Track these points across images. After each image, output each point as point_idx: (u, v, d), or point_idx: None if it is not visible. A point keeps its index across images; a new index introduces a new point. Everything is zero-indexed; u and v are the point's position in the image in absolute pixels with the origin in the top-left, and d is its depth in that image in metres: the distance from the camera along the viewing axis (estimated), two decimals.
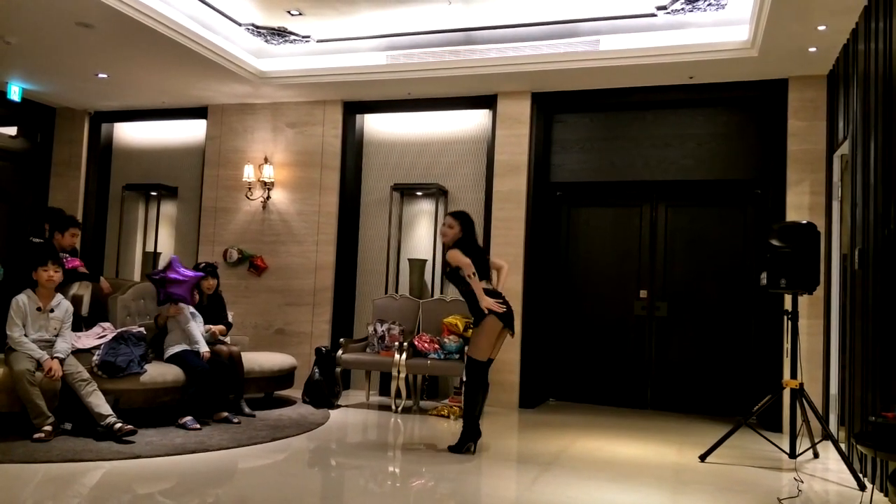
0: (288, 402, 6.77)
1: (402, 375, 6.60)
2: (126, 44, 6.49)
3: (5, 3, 5.67)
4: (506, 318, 5.05)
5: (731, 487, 4.47)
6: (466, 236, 5.17)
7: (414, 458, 5.06)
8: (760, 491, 4.43)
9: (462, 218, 5.24)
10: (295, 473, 4.59)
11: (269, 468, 4.62)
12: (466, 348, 5.54)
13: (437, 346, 6.81)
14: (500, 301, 5.05)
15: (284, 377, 6.71)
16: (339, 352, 6.88)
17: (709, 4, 5.93)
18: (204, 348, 5.77)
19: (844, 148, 5.69)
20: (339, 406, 6.73)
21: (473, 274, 4.96)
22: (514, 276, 7.20)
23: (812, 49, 5.82)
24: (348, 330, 7.92)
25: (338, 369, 6.83)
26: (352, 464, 4.88)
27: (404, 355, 6.63)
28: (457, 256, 5.03)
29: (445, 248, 5.23)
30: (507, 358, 7.12)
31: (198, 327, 5.90)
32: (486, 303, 4.97)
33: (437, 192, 7.74)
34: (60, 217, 6.02)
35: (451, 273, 5.15)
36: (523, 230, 7.25)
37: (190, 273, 5.97)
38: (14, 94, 7.98)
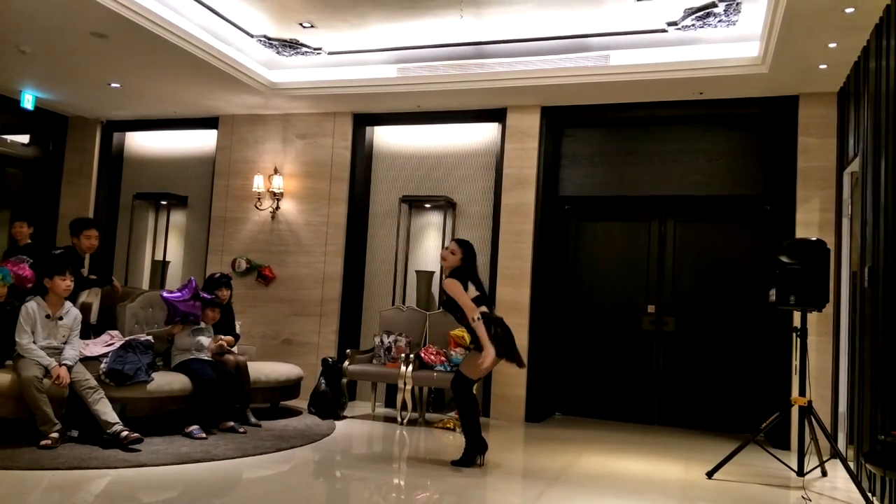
0: (294, 412, 6.76)
1: (408, 387, 6.59)
2: (139, 54, 6.55)
3: (20, 12, 5.73)
4: (507, 353, 4.95)
5: None
6: (465, 266, 5.10)
7: (419, 471, 5.04)
8: None
9: (466, 247, 5.16)
10: (299, 484, 4.58)
11: (273, 479, 4.61)
12: (460, 362, 5.46)
13: (443, 358, 6.80)
14: (500, 330, 4.94)
15: (290, 387, 6.71)
16: (346, 363, 6.88)
17: (719, 21, 5.95)
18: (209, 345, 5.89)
19: (855, 165, 5.68)
20: (344, 417, 6.72)
21: (478, 319, 4.87)
22: (521, 289, 7.20)
23: (823, 66, 5.83)
24: (355, 341, 7.92)
25: (344, 380, 6.82)
26: (356, 475, 4.87)
27: (410, 367, 6.63)
28: (457, 292, 4.92)
29: (444, 274, 5.15)
30: (514, 371, 7.04)
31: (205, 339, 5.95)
32: (487, 361, 4.81)
33: (446, 205, 7.75)
34: (73, 223, 6.13)
35: (448, 302, 5.07)
36: (531, 243, 7.25)
37: (208, 296, 6.05)
38: (27, 102, 8.05)
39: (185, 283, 6.08)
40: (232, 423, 5.68)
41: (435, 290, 7.78)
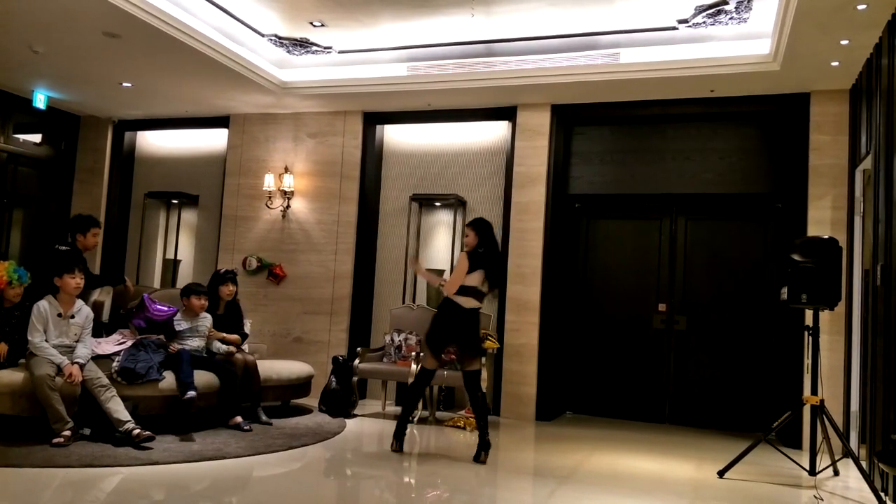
0: (304, 410, 6.78)
1: None
2: (151, 54, 6.58)
3: (33, 12, 5.77)
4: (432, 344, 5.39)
5: None
6: (482, 242, 5.28)
7: (430, 469, 5.05)
8: None
9: (476, 225, 5.35)
10: (310, 482, 4.60)
11: (284, 476, 4.63)
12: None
13: (453, 357, 6.78)
14: (450, 326, 5.27)
15: (301, 386, 6.72)
16: (356, 361, 6.89)
17: (730, 18, 5.92)
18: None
19: (867, 163, 5.64)
20: (355, 415, 6.73)
21: (441, 284, 5.38)
22: (531, 287, 7.19)
23: (835, 63, 5.79)
24: (365, 339, 7.93)
25: (354, 378, 6.84)
26: (367, 473, 4.88)
27: (420, 365, 6.62)
28: (458, 265, 5.26)
29: None
30: (525, 370, 7.10)
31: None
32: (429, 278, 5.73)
33: (456, 203, 7.75)
34: (79, 220, 6.11)
35: None
36: (541, 242, 7.24)
37: (164, 309, 5.90)
38: (40, 101, 8.10)
39: (139, 304, 5.98)
40: (238, 419, 5.71)
41: None
